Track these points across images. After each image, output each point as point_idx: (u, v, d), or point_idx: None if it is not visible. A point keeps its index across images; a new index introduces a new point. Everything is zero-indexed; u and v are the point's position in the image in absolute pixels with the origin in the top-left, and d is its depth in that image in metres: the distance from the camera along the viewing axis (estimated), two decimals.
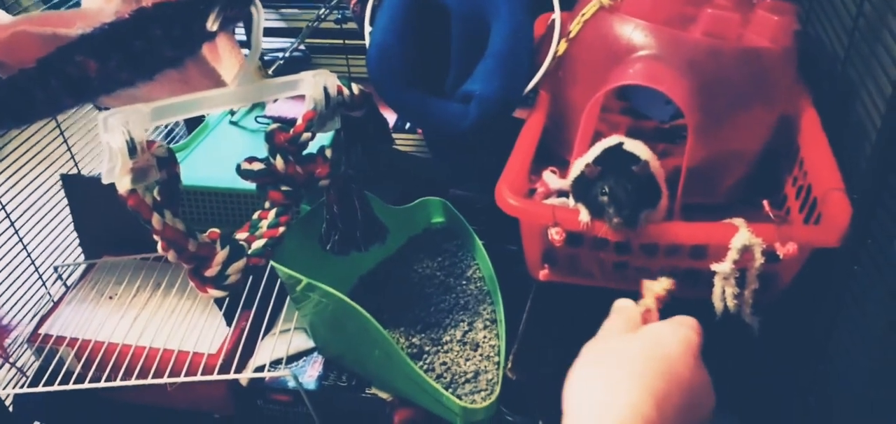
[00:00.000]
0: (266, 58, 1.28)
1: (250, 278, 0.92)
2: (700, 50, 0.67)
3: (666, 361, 0.41)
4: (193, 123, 1.19)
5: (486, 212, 0.90)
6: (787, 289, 0.65)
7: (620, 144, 0.59)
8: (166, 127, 1.29)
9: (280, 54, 1.23)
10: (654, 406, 0.38)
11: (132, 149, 0.60)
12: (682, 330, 0.44)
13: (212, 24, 0.62)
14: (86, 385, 0.83)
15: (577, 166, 0.62)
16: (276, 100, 1.17)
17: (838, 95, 0.72)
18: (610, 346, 0.44)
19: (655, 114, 0.84)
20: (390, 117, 1.12)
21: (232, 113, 1.16)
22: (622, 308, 0.48)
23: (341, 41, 1.25)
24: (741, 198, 0.74)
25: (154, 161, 0.63)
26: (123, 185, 0.61)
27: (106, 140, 0.59)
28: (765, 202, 0.64)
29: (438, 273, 0.93)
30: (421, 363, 0.82)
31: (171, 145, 1.09)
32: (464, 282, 0.91)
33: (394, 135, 1.18)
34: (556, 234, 0.61)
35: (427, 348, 0.83)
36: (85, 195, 1.01)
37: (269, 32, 1.32)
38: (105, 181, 0.61)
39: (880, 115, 0.58)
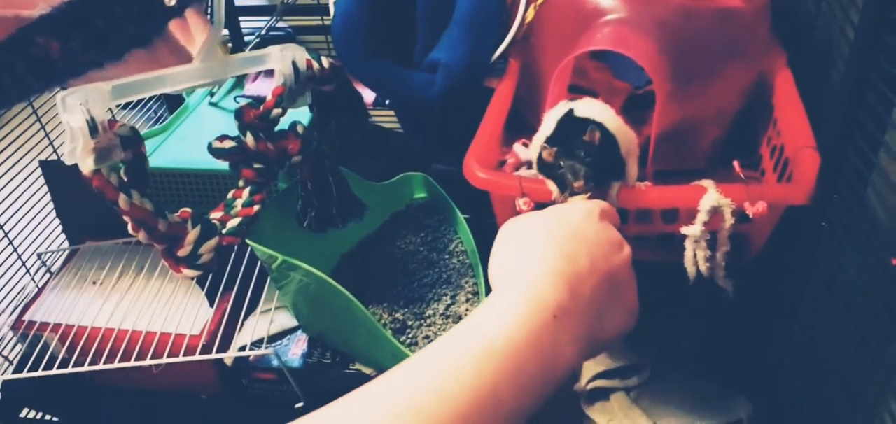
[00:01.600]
0: (246, 37, 1.27)
1: (231, 257, 0.92)
2: (671, 11, 0.66)
3: (571, 224, 0.46)
4: (174, 105, 1.18)
5: (468, 185, 0.89)
6: (763, 251, 0.64)
7: (571, 111, 0.58)
8: (148, 108, 1.28)
9: (255, 31, 1.22)
10: (566, 261, 0.42)
11: (93, 128, 0.59)
12: (582, 204, 0.49)
13: (169, 0, 0.61)
14: (69, 370, 0.83)
15: (535, 145, 0.61)
16: (255, 80, 1.17)
17: (811, 52, 0.70)
18: (520, 223, 0.48)
19: (632, 79, 0.83)
20: (369, 94, 1.11)
21: (212, 93, 1.15)
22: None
23: (320, 19, 1.23)
24: (719, 162, 0.73)
25: (117, 140, 0.62)
26: (86, 166, 0.60)
27: (66, 119, 0.59)
28: (735, 163, 0.63)
29: (421, 248, 0.92)
30: (404, 337, 0.82)
31: (152, 127, 1.09)
32: (447, 257, 0.91)
33: (374, 112, 1.17)
34: (523, 205, 0.60)
35: (410, 322, 0.83)
36: (64, 181, 1.00)
37: (249, 11, 1.30)
38: (67, 162, 0.60)
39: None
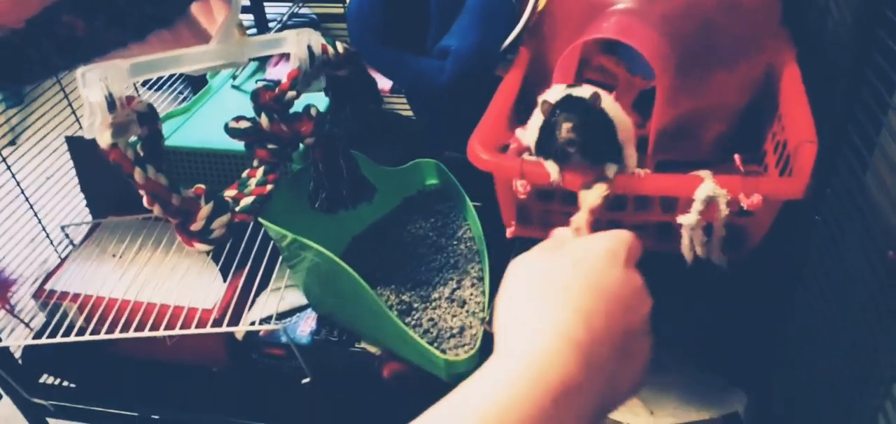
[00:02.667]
0: (270, 23, 1.30)
1: (246, 235, 0.95)
2: (679, 2, 0.66)
3: (592, 276, 0.40)
4: (198, 87, 1.21)
5: (479, 173, 0.91)
6: (761, 245, 0.64)
7: (568, 94, 0.59)
8: (173, 89, 1.31)
9: (278, 17, 1.24)
10: (583, 324, 0.38)
11: (111, 103, 0.61)
12: (607, 242, 0.43)
13: None
14: (86, 338, 0.86)
15: (532, 126, 0.62)
16: (277, 64, 1.20)
17: (818, 47, 0.70)
18: (536, 267, 0.43)
19: (646, 73, 0.84)
20: (386, 81, 1.13)
21: (234, 76, 1.18)
22: (557, 234, 0.48)
23: (343, 5, 1.25)
24: (725, 156, 0.73)
25: (134, 116, 0.65)
26: (104, 140, 0.63)
27: (85, 94, 0.61)
28: (736, 156, 0.63)
29: (431, 233, 0.94)
30: (409, 318, 0.84)
31: (176, 107, 1.12)
32: (455, 242, 0.92)
33: (391, 99, 1.19)
34: (521, 187, 0.61)
35: (416, 305, 0.85)
36: (89, 156, 1.04)
37: None
38: (87, 136, 0.63)
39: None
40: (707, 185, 0.57)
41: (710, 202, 0.57)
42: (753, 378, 0.70)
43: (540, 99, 0.61)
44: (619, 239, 0.43)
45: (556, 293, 0.39)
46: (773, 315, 0.64)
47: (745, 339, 0.74)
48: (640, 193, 0.61)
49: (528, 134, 0.64)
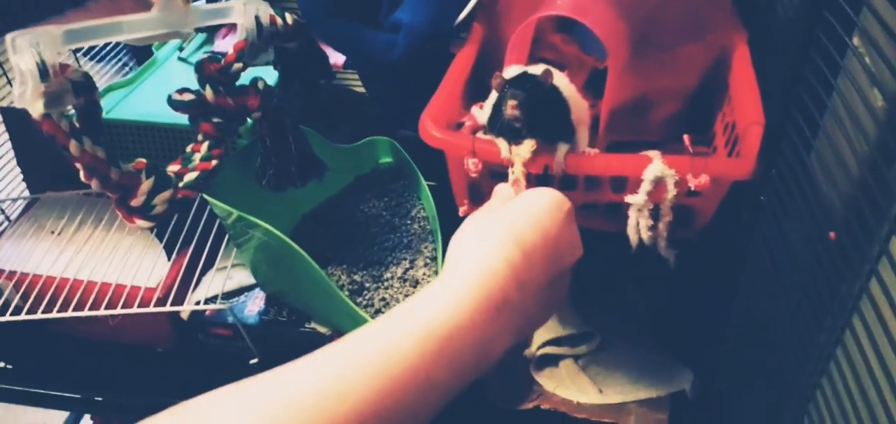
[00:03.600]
0: None
1: (192, 212, 0.92)
2: None
3: (534, 217, 0.45)
4: (143, 59, 1.17)
5: (433, 152, 0.90)
6: (709, 225, 0.65)
7: (524, 72, 0.59)
8: (118, 60, 1.27)
9: None
10: (519, 250, 0.42)
11: (43, 71, 0.59)
12: (554, 193, 0.48)
13: None
14: (22, 317, 0.83)
15: (488, 105, 0.62)
16: (226, 36, 1.16)
17: (766, 29, 0.71)
18: (484, 213, 0.48)
19: (598, 52, 0.84)
20: (340, 56, 1.11)
21: (181, 48, 1.14)
22: (498, 189, 0.53)
23: None
24: (677, 137, 0.74)
25: (69, 85, 0.62)
26: (36, 109, 0.60)
27: (15, 61, 0.58)
28: (685, 137, 0.64)
29: (384, 212, 0.93)
30: (360, 299, 0.83)
31: (119, 79, 1.08)
32: (408, 222, 0.91)
33: (345, 75, 1.17)
34: (472, 165, 0.60)
35: (368, 285, 0.84)
36: (26, 128, 0.99)
37: None
38: (17, 105, 0.60)
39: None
40: (656, 165, 0.57)
41: (659, 182, 0.57)
42: (700, 357, 0.71)
43: (495, 75, 0.61)
44: (557, 193, 0.48)
45: (502, 227, 0.44)
46: (720, 294, 0.65)
47: (693, 319, 0.75)
48: (590, 173, 0.61)
49: (484, 111, 0.64)
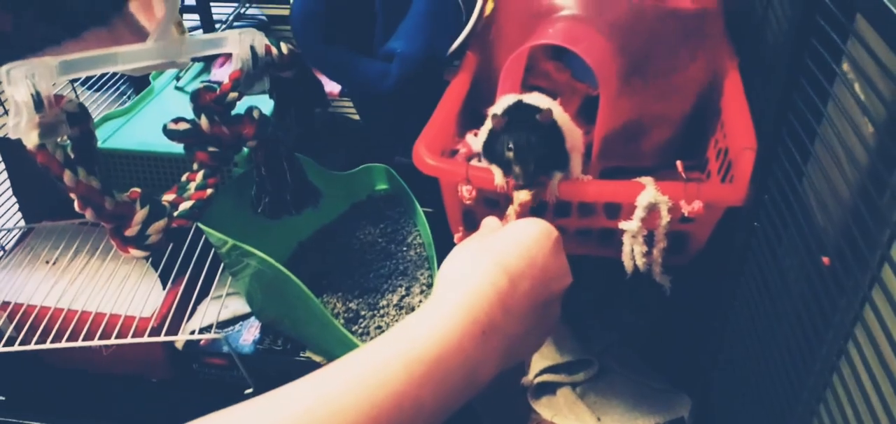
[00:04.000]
0: (217, 24, 1.27)
1: (187, 241, 0.92)
2: (622, 10, 0.67)
3: (521, 245, 0.46)
4: (141, 88, 1.17)
5: (429, 179, 0.90)
6: (703, 250, 0.65)
7: (520, 101, 0.59)
8: (116, 89, 1.27)
9: (226, 18, 1.21)
10: (505, 276, 0.43)
11: (38, 102, 0.59)
12: (543, 223, 0.49)
13: None
14: (16, 348, 0.82)
15: (483, 133, 0.62)
16: (222, 65, 1.17)
17: (756, 55, 0.72)
18: (473, 242, 0.49)
19: (590, 80, 0.84)
20: (335, 85, 1.11)
21: (178, 77, 1.15)
22: (487, 222, 0.54)
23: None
24: (669, 163, 0.74)
25: (64, 116, 0.62)
26: (31, 141, 0.60)
27: (10, 93, 0.58)
28: (678, 163, 0.64)
29: (380, 239, 0.93)
30: (356, 327, 0.82)
31: (117, 108, 1.08)
32: (404, 248, 0.91)
33: (341, 103, 1.17)
34: (466, 193, 0.61)
35: (363, 312, 0.84)
36: (21, 158, 0.99)
37: None
38: (12, 136, 0.60)
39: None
40: (649, 192, 0.57)
41: (652, 208, 0.57)
42: (696, 383, 0.70)
43: (490, 111, 0.61)
44: (546, 224, 0.49)
45: (492, 254, 0.45)
46: (714, 320, 0.64)
47: (688, 344, 0.75)
48: (584, 200, 0.61)
49: (479, 140, 0.64)
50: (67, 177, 0.63)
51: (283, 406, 0.37)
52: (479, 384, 0.41)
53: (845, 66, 0.48)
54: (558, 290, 0.47)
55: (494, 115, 0.59)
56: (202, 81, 1.14)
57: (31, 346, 0.82)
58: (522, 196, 0.58)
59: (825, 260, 0.49)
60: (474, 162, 0.67)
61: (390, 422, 0.37)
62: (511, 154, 0.57)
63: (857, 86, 0.47)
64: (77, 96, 1.19)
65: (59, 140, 0.64)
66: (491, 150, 0.60)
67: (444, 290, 0.43)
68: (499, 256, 0.45)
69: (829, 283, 0.46)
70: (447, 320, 0.41)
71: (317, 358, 0.84)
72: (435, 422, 0.39)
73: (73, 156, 0.64)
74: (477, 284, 0.43)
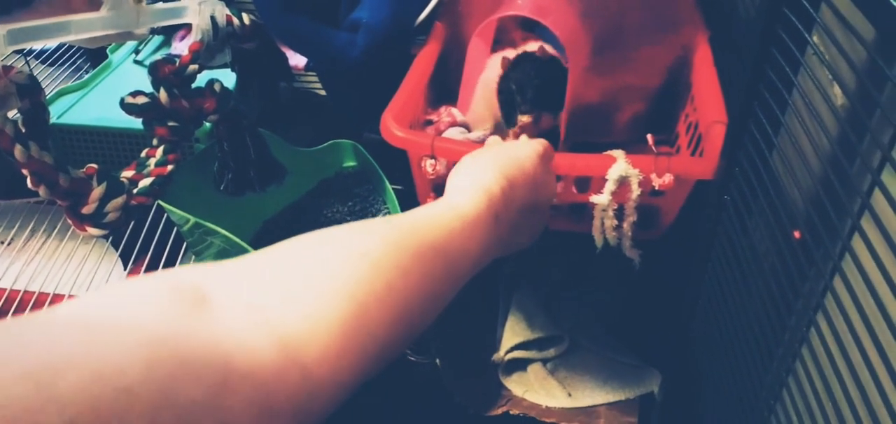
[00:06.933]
0: None
1: (148, 220, 0.90)
2: None
3: (518, 158, 0.54)
4: (98, 62, 1.13)
5: (398, 154, 0.89)
6: (674, 225, 0.65)
7: (526, 51, 0.63)
8: (73, 64, 1.23)
9: None
10: (508, 182, 0.51)
11: None
12: (533, 142, 0.57)
13: None
14: None
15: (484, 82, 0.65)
16: (183, 37, 1.13)
17: (727, 29, 0.71)
18: (478, 153, 0.56)
19: (560, 50, 0.83)
20: (301, 58, 1.09)
21: (137, 50, 1.11)
22: (490, 140, 0.61)
23: None
24: (641, 137, 0.74)
25: (13, 88, 0.59)
26: None
27: None
28: (649, 136, 0.64)
29: (348, 216, 0.91)
30: None
31: (72, 82, 1.04)
32: None
33: (307, 77, 1.15)
34: (430, 168, 0.59)
35: None
36: None
37: None
38: None
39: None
40: (620, 165, 0.56)
41: (623, 181, 0.57)
42: (667, 358, 0.70)
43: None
44: (542, 142, 0.57)
45: (489, 161, 0.53)
46: (685, 295, 0.64)
47: (659, 319, 0.75)
48: (555, 173, 0.60)
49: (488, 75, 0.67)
50: (18, 151, 0.60)
51: (372, 228, 0.42)
52: (480, 265, 0.48)
53: (816, 37, 0.48)
54: (545, 198, 0.55)
55: (504, 58, 0.64)
56: (162, 54, 1.11)
57: None
58: (523, 118, 0.65)
59: (796, 233, 0.49)
60: (453, 131, 0.66)
61: (447, 251, 0.44)
62: (515, 86, 0.61)
63: (827, 56, 0.47)
64: (31, 70, 1.14)
65: (9, 114, 0.62)
66: (502, 91, 0.66)
67: (460, 187, 0.50)
68: (501, 165, 0.52)
69: (798, 255, 0.46)
70: (469, 204, 0.48)
71: None
72: (452, 283, 0.45)
73: (24, 130, 0.61)
74: (488, 183, 0.50)
